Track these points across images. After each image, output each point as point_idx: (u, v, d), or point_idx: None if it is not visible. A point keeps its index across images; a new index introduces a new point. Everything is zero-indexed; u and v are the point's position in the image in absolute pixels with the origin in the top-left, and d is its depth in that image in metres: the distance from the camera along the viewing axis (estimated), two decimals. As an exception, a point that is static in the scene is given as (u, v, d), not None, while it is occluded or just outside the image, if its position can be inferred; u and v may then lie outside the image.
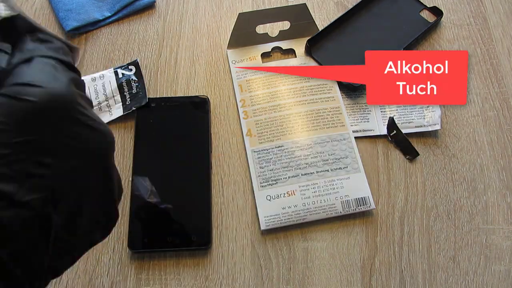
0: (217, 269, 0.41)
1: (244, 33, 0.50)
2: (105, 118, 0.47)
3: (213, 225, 0.43)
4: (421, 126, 0.47)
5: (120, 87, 0.48)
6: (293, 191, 0.43)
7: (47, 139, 0.19)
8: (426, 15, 0.53)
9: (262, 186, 0.44)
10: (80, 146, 0.20)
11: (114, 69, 0.49)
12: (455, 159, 0.46)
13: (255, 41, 0.51)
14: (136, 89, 0.48)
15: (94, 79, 0.48)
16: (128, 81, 0.48)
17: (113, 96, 0.47)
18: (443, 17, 0.53)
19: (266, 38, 0.51)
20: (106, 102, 0.47)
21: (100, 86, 0.48)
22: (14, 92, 0.19)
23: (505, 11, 0.54)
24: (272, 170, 0.44)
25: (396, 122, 0.47)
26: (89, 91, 0.48)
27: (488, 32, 0.53)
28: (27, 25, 0.22)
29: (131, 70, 0.49)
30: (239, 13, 0.49)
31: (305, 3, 0.51)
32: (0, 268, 0.18)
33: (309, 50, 0.50)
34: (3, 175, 0.18)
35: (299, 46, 0.51)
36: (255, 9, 0.54)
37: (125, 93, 0.48)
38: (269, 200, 0.43)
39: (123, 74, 0.49)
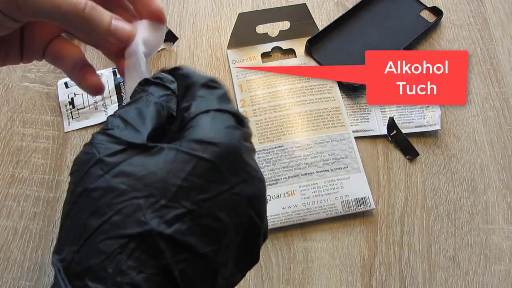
0: (217, 269, 0.41)
1: (244, 33, 0.50)
2: (100, 117, 0.47)
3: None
4: (421, 126, 0.47)
5: (117, 87, 0.48)
6: (293, 191, 0.43)
7: (221, 196, 0.20)
8: (426, 15, 0.53)
9: (262, 186, 0.44)
10: (244, 200, 0.21)
11: (112, 68, 0.49)
12: (455, 159, 0.46)
13: (255, 41, 0.51)
14: None
15: None
16: None
17: (110, 96, 0.48)
18: (443, 17, 0.53)
19: (266, 38, 0.51)
20: (102, 102, 0.47)
21: None
22: (194, 150, 0.20)
23: (505, 11, 0.54)
24: (272, 170, 0.44)
25: (396, 122, 0.47)
26: None
27: (488, 32, 0.53)
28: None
29: None
30: (239, 13, 0.49)
31: (305, 3, 0.51)
32: None
33: (309, 50, 0.50)
34: (189, 230, 0.19)
35: (299, 46, 0.51)
36: (255, 9, 0.54)
37: (122, 94, 0.48)
38: (269, 200, 0.43)
39: None
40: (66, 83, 0.48)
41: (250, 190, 0.21)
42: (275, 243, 0.42)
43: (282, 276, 0.41)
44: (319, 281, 0.41)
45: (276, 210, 0.43)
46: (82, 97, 0.48)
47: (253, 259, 0.24)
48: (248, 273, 0.42)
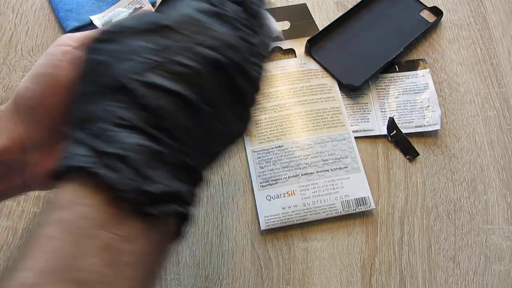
0: (217, 269, 0.41)
1: (244, 33, 0.50)
2: None
3: (213, 225, 0.43)
4: (421, 126, 0.47)
5: None
6: (293, 191, 0.43)
7: (179, 44, 0.24)
8: (426, 15, 0.53)
9: (262, 186, 0.44)
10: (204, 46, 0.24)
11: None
12: (455, 159, 0.46)
13: (255, 41, 0.51)
14: None
15: None
16: None
17: None
18: (443, 17, 0.53)
19: (266, 38, 0.51)
20: None
21: None
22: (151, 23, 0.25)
23: (505, 11, 0.54)
24: (272, 170, 0.44)
25: (396, 122, 0.47)
26: None
27: (488, 32, 0.53)
28: None
29: None
30: (239, 13, 0.49)
31: (305, 3, 0.51)
32: (176, 153, 0.23)
33: (309, 50, 0.50)
34: (159, 75, 0.23)
35: (299, 46, 0.51)
36: (255, 9, 0.54)
37: None
38: (269, 200, 0.43)
39: None
40: None
41: (212, 38, 0.24)
42: (275, 243, 0.42)
43: (282, 276, 0.41)
44: (319, 281, 0.41)
45: (276, 210, 0.43)
46: None
47: (244, 102, 0.27)
48: (248, 273, 0.42)
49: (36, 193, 0.43)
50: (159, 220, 0.22)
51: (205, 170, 0.26)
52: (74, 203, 0.21)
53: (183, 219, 0.24)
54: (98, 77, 0.24)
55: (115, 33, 0.25)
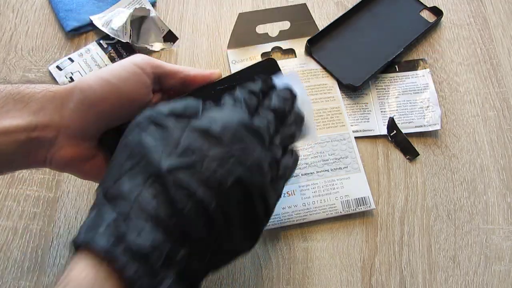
0: (217, 269, 0.41)
1: (244, 33, 0.50)
2: None
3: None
4: (421, 126, 0.47)
5: (111, 58, 0.50)
6: (293, 191, 0.43)
7: (218, 155, 0.27)
8: (426, 15, 0.53)
9: (262, 186, 0.44)
10: (237, 161, 0.27)
11: (96, 40, 0.51)
12: (455, 159, 0.46)
13: (255, 41, 0.51)
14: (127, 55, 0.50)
15: (81, 54, 0.50)
16: (116, 49, 0.50)
17: (106, 65, 0.49)
18: (443, 17, 0.53)
19: (266, 38, 0.51)
20: None
21: (90, 58, 0.50)
22: (201, 125, 0.28)
23: (505, 11, 0.54)
24: (272, 170, 0.44)
25: (396, 122, 0.47)
26: (80, 65, 0.49)
27: (488, 32, 0.53)
28: None
29: (113, 39, 0.50)
30: (239, 13, 0.49)
31: (305, 3, 0.51)
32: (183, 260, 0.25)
33: (309, 50, 0.50)
34: (190, 175, 0.26)
35: (299, 46, 0.51)
36: (255, 9, 0.54)
37: (116, 60, 0.50)
38: (269, 200, 0.43)
39: (107, 43, 0.51)
40: (58, 67, 0.49)
41: (246, 158, 0.27)
42: (275, 243, 0.42)
43: (282, 276, 0.41)
44: (319, 281, 0.41)
45: (276, 210, 0.42)
46: (79, 74, 0.49)
47: (258, 224, 0.29)
48: (248, 273, 0.42)
49: (36, 193, 0.43)
50: None
51: (203, 279, 0.27)
52: (93, 286, 0.23)
53: None
54: (138, 156, 0.26)
55: (161, 119, 0.28)
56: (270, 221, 0.42)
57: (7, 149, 0.30)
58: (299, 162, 0.33)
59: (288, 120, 0.32)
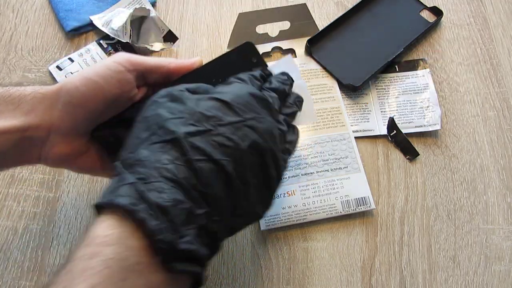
0: (217, 269, 0.41)
1: (244, 33, 0.50)
2: None
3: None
4: (421, 126, 0.47)
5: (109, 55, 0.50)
6: (293, 191, 0.43)
7: (234, 124, 0.28)
8: (426, 15, 0.53)
9: (262, 186, 0.44)
10: (253, 130, 0.28)
11: (96, 41, 0.51)
12: (455, 159, 0.46)
13: (255, 41, 0.50)
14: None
15: (81, 54, 0.50)
16: (116, 49, 0.50)
17: None
18: (443, 17, 0.53)
19: (266, 38, 0.51)
20: None
21: (90, 58, 0.50)
22: (215, 93, 0.30)
23: (505, 11, 0.54)
24: (272, 170, 0.44)
25: (396, 122, 0.47)
26: (80, 65, 0.49)
27: (488, 32, 0.53)
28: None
29: (113, 39, 0.50)
30: (239, 13, 0.49)
31: (305, 3, 0.51)
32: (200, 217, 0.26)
33: (309, 50, 0.50)
34: (205, 140, 0.27)
35: (299, 46, 0.51)
36: (255, 9, 0.54)
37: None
38: (269, 200, 0.43)
39: (107, 43, 0.51)
40: (58, 67, 0.49)
41: (259, 125, 0.28)
42: (275, 243, 0.42)
43: (282, 276, 0.41)
44: (319, 281, 0.41)
45: (276, 210, 0.43)
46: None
47: (271, 187, 0.30)
48: (248, 273, 0.42)
49: (36, 193, 0.43)
50: (179, 275, 0.25)
51: (222, 240, 0.28)
52: (118, 243, 0.23)
53: (197, 280, 0.26)
54: (155, 127, 0.28)
55: (178, 94, 0.29)
56: (270, 221, 0.42)
57: (1, 148, 0.31)
58: (299, 140, 0.35)
59: (288, 100, 0.34)
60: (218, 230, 0.27)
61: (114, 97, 0.33)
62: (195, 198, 0.26)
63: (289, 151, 0.32)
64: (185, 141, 0.26)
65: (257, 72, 0.34)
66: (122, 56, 0.34)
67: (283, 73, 0.35)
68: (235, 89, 0.30)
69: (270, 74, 0.35)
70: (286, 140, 0.32)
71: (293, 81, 0.35)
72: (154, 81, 0.35)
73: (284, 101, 0.33)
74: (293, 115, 0.34)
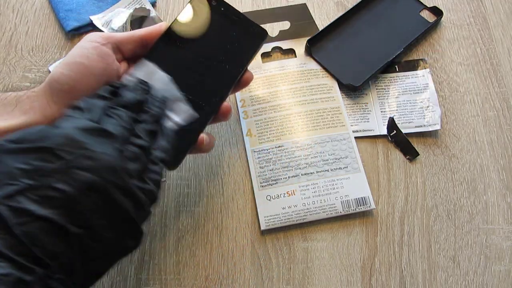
0: (217, 269, 0.41)
1: (244, 33, 0.50)
2: None
3: (213, 225, 0.43)
4: (421, 126, 0.47)
5: None
6: (293, 191, 0.43)
7: (58, 170, 0.25)
8: (426, 15, 0.53)
9: (262, 186, 0.44)
10: (81, 170, 0.26)
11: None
12: (455, 159, 0.46)
13: (255, 41, 0.51)
14: None
15: None
16: None
17: None
18: (443, 17, 0.53)
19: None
20: None
21: None
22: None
23: (505, 11, 0.54)
24: (272, 170, 0.44)
25: (396, 122, 0.47)
26: None
27: (488, 32, 0.53)
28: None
29: None
30: (239, 13, 0.49)
31: (305, 3, 0.51)
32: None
33: (309, 50, 0.50)
34: (27, 199, 0.24)
35: (299, 46, 0.51)
36: (255, 9, 0.54)
37: None
38: (269, 200, 0.43)
39: None
40: None
41: (88, 162, 0.26)
42: (275, 243, 0.42)
43: (282, 276, 0.41)
44: (319, 281, 0.41)
45: (276, 210, 0.43)
46: None
47: (130, 219, 0.27)
48: (248, 273, 0.42)
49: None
50: None
51: (88, 287, 0.27)
52: None
53: None
54: None
55: None
56: (270, 221, 0.42)
57: None
58: (173, 137, 0.33)
59: (147, 106, 0.32)
60: (66, 286, 0.25)
61: (101, 71, 0.34)
62: (25, 266, 0.23)
63: (162, 160, 0.30)
64: (3, 207, 0.24)
65: (104, 89, 0.32)
66: (94, 35, 0.35)
67: (135, 80, 0.34)
68: (63, 129, 0.27)
69: (120, 85, 0.33)
70: (153, 150, 0.30)
71: (148, 85, 0.34)
72: (131, 53, 0.36)
73: (140, 110, 0.31)
74: (155, 119, 0.32)
